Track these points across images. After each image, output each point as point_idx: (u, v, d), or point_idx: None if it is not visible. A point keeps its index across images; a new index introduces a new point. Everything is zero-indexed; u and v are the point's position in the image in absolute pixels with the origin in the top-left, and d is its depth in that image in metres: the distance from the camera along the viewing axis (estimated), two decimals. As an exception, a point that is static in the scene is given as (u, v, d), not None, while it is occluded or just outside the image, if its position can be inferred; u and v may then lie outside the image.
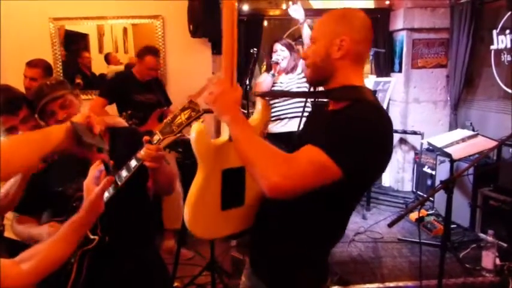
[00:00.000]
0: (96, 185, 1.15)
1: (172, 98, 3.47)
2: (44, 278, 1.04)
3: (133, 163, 1.32)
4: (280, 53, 3.06)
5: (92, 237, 1.38)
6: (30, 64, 2.72)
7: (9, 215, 1.68)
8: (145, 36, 4.09)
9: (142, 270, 1.57)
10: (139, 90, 3.23)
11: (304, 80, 3.06)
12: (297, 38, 4.12)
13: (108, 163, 1.12)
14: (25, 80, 2.69)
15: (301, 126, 2.05)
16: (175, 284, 2.66)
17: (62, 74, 3.86)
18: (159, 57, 3.35)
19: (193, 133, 1.13)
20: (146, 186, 1.57)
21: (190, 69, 3.43)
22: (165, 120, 1.26)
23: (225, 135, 1.20)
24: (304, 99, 2.84)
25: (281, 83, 3.14)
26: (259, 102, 1.30)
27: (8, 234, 1.83)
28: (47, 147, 0.94)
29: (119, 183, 1.33)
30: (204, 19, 3.60)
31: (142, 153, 1.29)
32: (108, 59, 4.41)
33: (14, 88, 1.74)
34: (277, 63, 3.04)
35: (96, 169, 1.20)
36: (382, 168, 1.15)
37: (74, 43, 3.90)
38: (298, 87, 3.09)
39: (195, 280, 2.67)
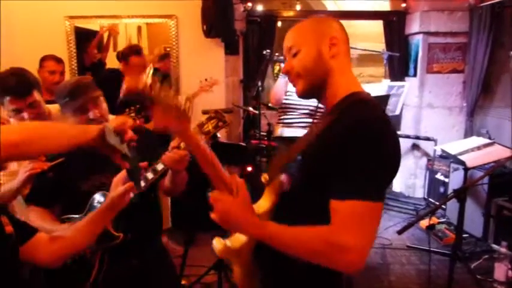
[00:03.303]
0: (122, 185, 1.26)
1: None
2: (63, 261, 1.19)
3: (159, 166, 1.38)
4: None
5: (116, 234, 1.40)
6: (55, 59, 2.84)
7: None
8: (159, 36, 4.11)
9: (151, 265, 1.58)
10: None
11: None
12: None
13: (130, 169, 1.16)
14: (53, 75, 2.77)
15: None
16: (183, 282, 2.67)
17: (76, 71, 3.91)
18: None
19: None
20: (158, 184, 1.58)
21: (204, 69, 3.45)
22: (192, 127, 1.30)
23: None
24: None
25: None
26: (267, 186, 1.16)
27: None
28: (80, 139, 1.04)
29: (144, 183, 1.38)
30: (218, 19, 3.61)
31: (170, 156, 1.35)
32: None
33: (29, 73, 1.74)
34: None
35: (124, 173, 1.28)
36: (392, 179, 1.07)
37: (87, 41, 3.95)
38: None
39: (202, 279, 2.67)
